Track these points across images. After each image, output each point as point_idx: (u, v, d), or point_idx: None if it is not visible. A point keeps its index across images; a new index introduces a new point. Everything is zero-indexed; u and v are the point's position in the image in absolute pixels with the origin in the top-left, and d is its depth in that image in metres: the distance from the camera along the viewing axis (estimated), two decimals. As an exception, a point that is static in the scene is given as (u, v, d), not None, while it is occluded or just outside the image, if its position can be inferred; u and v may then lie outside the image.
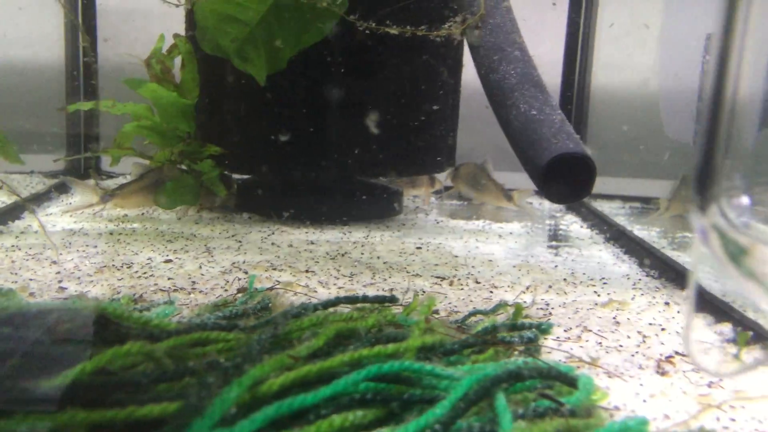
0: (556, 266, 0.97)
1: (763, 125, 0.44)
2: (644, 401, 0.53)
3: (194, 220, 1.16)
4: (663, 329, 0.70)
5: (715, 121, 0.37)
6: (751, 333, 0.66)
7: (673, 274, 0.91)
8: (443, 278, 0.87)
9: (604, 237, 1.21)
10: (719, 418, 0.50)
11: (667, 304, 0.80)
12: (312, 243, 1.04)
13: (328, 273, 0.87)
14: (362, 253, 0.99)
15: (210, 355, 0.45)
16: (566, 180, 0.67)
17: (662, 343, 0.66)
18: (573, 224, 1.33)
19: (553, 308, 0.76)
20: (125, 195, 1.20)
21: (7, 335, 0.41)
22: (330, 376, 0.42)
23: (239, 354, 0.40)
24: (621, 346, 0.65)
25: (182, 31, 1.19)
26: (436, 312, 0.72)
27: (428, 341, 0.49)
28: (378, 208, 1.26)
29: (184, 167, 1.16)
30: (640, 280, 0.92)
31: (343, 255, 0.97)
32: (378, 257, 0.97)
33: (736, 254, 0.35)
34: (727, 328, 0.70)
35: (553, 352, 0.62)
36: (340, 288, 0.81)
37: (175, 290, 0.75)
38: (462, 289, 0.83)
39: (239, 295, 0.70)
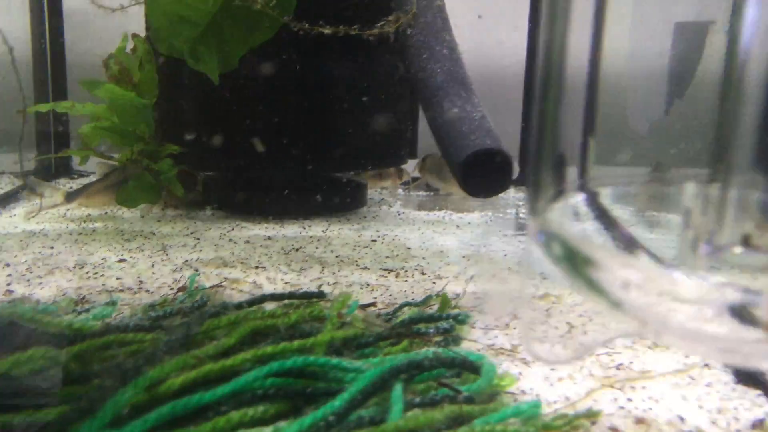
0: (506, 255, 0.99)
1: (669, 108, 0.45)
2: (551, 385, 0.55)
3: (157, 217, 1.18)
4: (591, 320, 0.73)
5: (544, 115, 0.38)
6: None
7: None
8: (390, 270, 0.90)
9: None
10: (617, 399, 0.53)
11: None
12: (269, 238, 1.06)
13: (278, 269, 0.89)
14: (317, 248, 1.01)
15: (118, 357, 0.47)
16: (487, 174, 0.69)
17: (585, 333, 0.68)
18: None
19: (490, 298, 0.79)
20: (89, 194, 1.22)
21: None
22: (233, 373, 0.44)
23: (141, 356, 0.43)
24: (546, 336, 0.67)
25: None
26: (374, 305, 0.75)
27: (338, 336, 0.51)
28: (341, 201, 1.28)
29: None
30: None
31: (297, 250, 0.99)
32: (332, 251, 0.99)
33: (576, 262, 0.37)
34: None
35: (479, 340, 0.64)
36: (286, 283, 0.83)
37: (121, 290, 0.77)
38: (406, 281, 0.86)
39: (179, 294, 0.73)
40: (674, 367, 0.59)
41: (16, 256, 0.90)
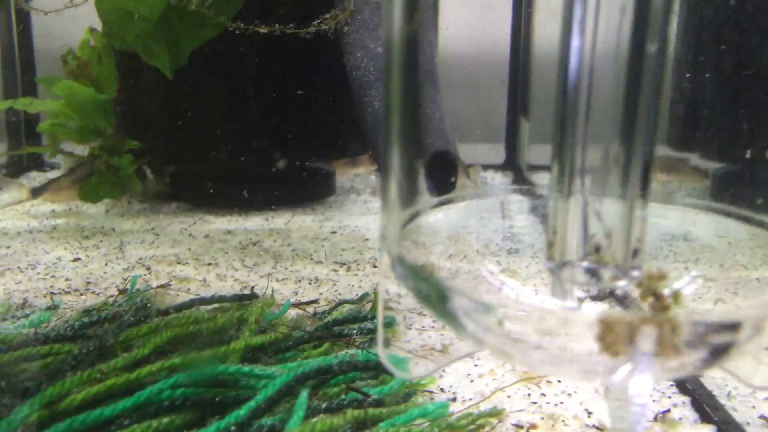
0: (477, 238, 1.00)
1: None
2: (472, 381, 0.56)
3: (122, 212, 1.18)
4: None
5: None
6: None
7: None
8: (343, 264, 0.90)
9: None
10: (531, 394, 0.54)
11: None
12: (229, 232, 1.06)
13: (230, 265, 0.90)
14: (275, 241, 1.02)
15: (31, 371, 0.48)
16: (445, 173, 0.69)
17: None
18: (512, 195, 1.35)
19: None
20: (55, 190, 1.22)
21: None
22: (138, 386, 0.45)
23: (45, 372, 0.43)
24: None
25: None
26: (316, 302, 0.75)
27: (253, 342, 0.52)
28: (308, 190, 1.28)
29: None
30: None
31: (255, 244, 1.00)
32: (289, 245, 1.00)
33: (412, 275, 0.37)
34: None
35: (413, 340, 0.65)
36: (236, 280, 0.84)
37: (68, 292, 0.78)
38: (356, 275, 0.86)
39: (119, 297, 0.73)
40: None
41: (-30, 257, 0.91)
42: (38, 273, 0.85)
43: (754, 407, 0.53)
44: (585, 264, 0.39)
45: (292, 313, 0.68)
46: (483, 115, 1.63)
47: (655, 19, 0.34)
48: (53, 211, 1.19)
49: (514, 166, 1.61)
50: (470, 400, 0.53)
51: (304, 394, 0.47)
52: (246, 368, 0.49)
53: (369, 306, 0.70)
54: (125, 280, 0.83)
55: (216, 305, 0.63)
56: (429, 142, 0.71)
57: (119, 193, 1.18)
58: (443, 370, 0.58)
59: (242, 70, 1.13)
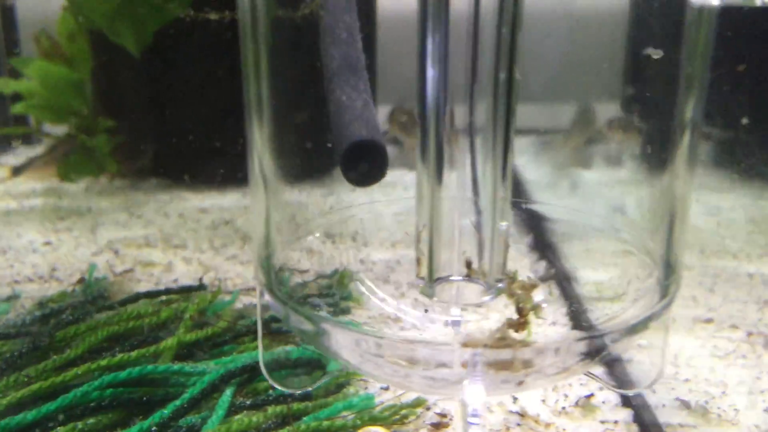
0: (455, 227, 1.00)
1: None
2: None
3: (101, 190, 1.19)
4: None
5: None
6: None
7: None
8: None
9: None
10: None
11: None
12: (204, 211, 1.07)
13: (198, 247, 0.91)
14: (247, 219, 1.02)
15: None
16: (369, 163, 0.68)
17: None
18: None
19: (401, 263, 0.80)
20: (36, 168, 1.23)
21: None
22: (64, 389, 0.46)
23: (-31, 377, 0.44)
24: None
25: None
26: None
27: (186, 339, 0.53)
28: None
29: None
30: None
31: (227, 223, 1.01)
32: (260, 223, 1.00)
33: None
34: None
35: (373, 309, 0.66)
36: (201, 263, 0.85)
37: (32, 280, 0.79)
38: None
39: (77, 286, 0.74)
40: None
41: (-57, 243, 0.93)
42: (7, 259, 0.86)
43: (673, 389, 0.54)
44: (455, 278, 0.39)
45: (245, 300, 0.69)
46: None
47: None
48: (33, 190, 1.20)
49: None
50: (402, 390, 0.54)
51: (227, 392, 0.48)
52: (176, 366, 0.50)
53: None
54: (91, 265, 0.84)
55: (163, 297, 0.64)
56: (347, 132, 0.69)
57: (98, 172, 1.19)
58: (383, 360, 0.59)
59: (217, 47, 1.12)
